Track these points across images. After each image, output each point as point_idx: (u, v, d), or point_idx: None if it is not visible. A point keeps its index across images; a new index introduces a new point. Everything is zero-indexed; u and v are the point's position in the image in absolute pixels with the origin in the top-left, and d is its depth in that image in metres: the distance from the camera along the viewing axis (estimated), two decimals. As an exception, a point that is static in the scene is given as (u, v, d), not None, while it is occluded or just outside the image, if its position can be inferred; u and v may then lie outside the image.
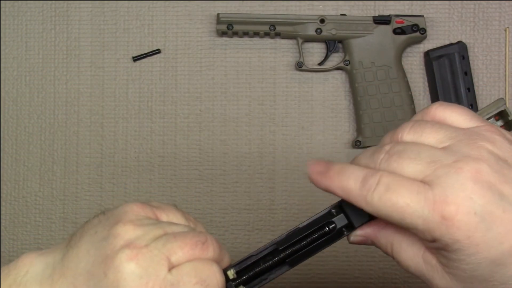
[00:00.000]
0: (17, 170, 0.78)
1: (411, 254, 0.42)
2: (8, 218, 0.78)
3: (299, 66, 0.77)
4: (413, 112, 0.76)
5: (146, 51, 0.79)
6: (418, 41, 0.78)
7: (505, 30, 0.79)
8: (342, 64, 0.77)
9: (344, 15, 0.77)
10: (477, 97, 0.77)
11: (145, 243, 0.43)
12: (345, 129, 0.78)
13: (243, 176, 0.78)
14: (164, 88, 0.79)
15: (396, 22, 0.77)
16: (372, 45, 0.76)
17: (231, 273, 0.46)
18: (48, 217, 0.78)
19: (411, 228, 0.40)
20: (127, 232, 0.44)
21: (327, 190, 0.43)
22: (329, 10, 0.79)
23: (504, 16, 0.79)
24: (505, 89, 0.78)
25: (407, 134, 0.43)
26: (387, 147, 0.42)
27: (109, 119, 0.78)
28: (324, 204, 0.76)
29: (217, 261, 0.45)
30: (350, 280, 0.77)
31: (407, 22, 0.77)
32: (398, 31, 0.77)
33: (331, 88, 0.79)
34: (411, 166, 0.40)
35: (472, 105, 0.76)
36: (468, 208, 0.38)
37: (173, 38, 0.79)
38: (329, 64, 0.78)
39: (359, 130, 0.77)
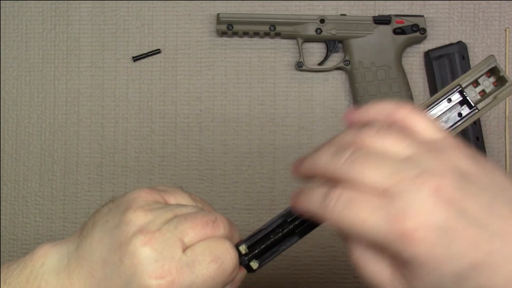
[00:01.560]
0: (17, 170, 0.78)
1: (377, 266, 0.42)
2: (8, 218, 0.78)
3: (299, 66, 0.77)
4: None
5: (146, 51, 0.79)
6: (418, 41, 0.78)
7: (505, 30, 0.79)
8: (342, 64, 0.77)
9: (344, 15, 0.77)
10: (477, 97, 0.77)
11: (157, 227, 0.44)
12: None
13: (243, 176, 0.78)
14: (164, 88, 0.79)
15: (396, 22, 0.77)
16: (372, 45, 0.76)
17: (243, 248, 0.47)
18: (48, 217, 0.78)
19: (372, 243, 0.40)
20: (138, 218, 0.45)
21: (300, 213, 0.43)
22: (329, 10, 0.79)
23: (504, 16, 0.79)
24: (505, 89, 0.79)
25: (372, 138, 0.42)
26: (350, 149, 0.41)
27: (109, 119, 0.78)
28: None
29: (228, 237, 0.46)
30: (350, 280, 0.77)
31: (407, 22, 0.77)
32: (398, 31, 0.77)
33: (331, 88, 0.79)
34: (373, 175, 0.40)
35: (472, 105, 0.76)
36: (429, 224, 0.38)
37: (173, 38, 0.79)
38: (329, 64, 0.78)
39: None
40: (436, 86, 0.76)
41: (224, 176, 0.78)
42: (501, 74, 0.49)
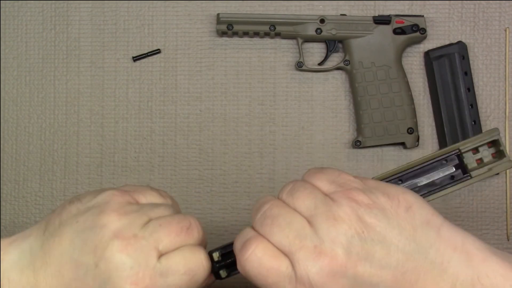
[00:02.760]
0: (17, 170, 0.78)
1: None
2: (8, 218, 0.78)
3: (299, 66, 0.77)
4: (413, 112, 0.76)
5: (146, 51, 0.79)
6: (418, 41, 0.78)
7: (505, 30, 0.79)
8: (342, 64, 0.77)
9: (344, 15, 0.77)
10: (477, 97, 0.77)
11: (133, 233, 0.45)
12: (345, 129, 0.78)
13: (243, 176, 0.78)
14: (164, 88, 0.79)
15: (396, 22, 0.77)
16: (372, 45, 0.76)
17: (216, 255, 0.49)
18: (48, 217, 0.78)
19: None
20: (113, 222, 0.46)
21: None
22: (329, 10, 0.79)
23: (504, 16, 0.79)
24: (505, 89, 0.78)
25: (286, 195, 0.46)
26: (266, 207, 0.46)
27: (109, 119, 0.78)
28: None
29: (202, 242, 0.48)
30: None
31: (407, 22, 0.77)
32: (398, 31, 0.77)
33: (331, 88, 0.79)
34: (279, 236, 0.44)
35: (472, 105, 0.76)
36: None
37: (173, 38, 0.79)
38: (329, 64, 0.78)
39: (359, 130, 0.77)
40: (436, 86, 0.76)
41: (224, 176, 0.78)
42: (501, 148, 0.51)
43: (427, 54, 0.77)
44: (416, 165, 0.52)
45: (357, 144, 0.76)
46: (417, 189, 0.51)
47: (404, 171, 0.52)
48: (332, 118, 0.78)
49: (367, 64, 0.76)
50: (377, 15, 0.77)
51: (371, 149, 0.78)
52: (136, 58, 0.79)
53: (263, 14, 0.77)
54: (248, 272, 0.45)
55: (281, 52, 0.78)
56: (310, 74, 0.79)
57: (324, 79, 0.79)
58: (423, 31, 0.77)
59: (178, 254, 0.46)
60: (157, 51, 0.79)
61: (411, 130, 0.76)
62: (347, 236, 0.43)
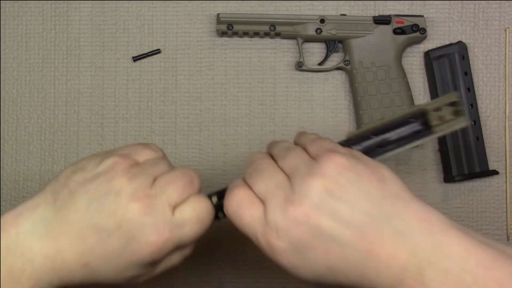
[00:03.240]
0: (17, 170, 0.78)
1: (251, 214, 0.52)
2: (8, 218, 0.78)
3: (299, 66, 0.77)
4: None
5: (146, 51, 0.79)
6: (418, 41, 0.78)
7: (505, 30, 0.79)
8: (342, 64, 0.77)
9: (344, 15, 0.77)
10: (477, 97, 0.77)
11: (146, 194, 0.51)
12: (345, 129, 0.78)
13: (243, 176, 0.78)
14: (164, 88, 0.79)
15: (396, 22, 0.77)
16: (372, 45, 0.76)
17: (214, 200, 0.56)
18: (48, 217, 0.78)
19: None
20: (125, 186, 0.51)
21: None
22: (329, 10, 0.79)
23: (504, 16, 0.79)
24: (505, 89, 0.78)
25: (277, 152, 0.54)
26: (257, 162, 0.53)
27: (109, 119, 0.78)
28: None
29: (200, 190, 0.55)
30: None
31: (407, 22, 0.77)
32: (398, 31, 0.77)
33: (331, 88, 0.79)
34: (260, 186, 0.51)
35: (472, 105, 0.76)
36: (286, 240, 0.48)
37: (173, 38, 0.79)
38: (329, 64, 0.78)
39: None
40: (436, 86, 0.76)
41: (224, 176, 0.78)
42: (459, 108, 0.58)
43: (427, 54, 0.77)
44: (388, 123, 0.58)
45: None
46: (389, 143, 0.58)
47: (378, 127, 0.58)
48: (332, 118, 0.78)
49: (367, 64, 0.76)
50: (377, 15, 0.77)
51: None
52: (136, 58, 0.79)
53: (263, 14, 0.77)
54: (229, 212, 0.52)
55: (281, 52, 0.78)
56: (310, 74, 0.79)
57: (324, 79, 0.79)
58: (423, 31, 0.77)
59: (188, 205, 0.52)
60: (157, 51, 0.79)
61: None
62: (317, 191, 0.48)
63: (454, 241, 0.47)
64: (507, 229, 0.78)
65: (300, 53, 0.77)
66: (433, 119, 0.58)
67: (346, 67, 0.77)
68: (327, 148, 0.51)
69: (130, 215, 0.50)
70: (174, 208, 0.52)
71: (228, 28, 0.77)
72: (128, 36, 0.79)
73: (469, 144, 0.76)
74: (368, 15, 0.78)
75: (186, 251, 0.55)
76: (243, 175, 0.54)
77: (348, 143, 0.57)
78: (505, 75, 0.78)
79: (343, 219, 0.48)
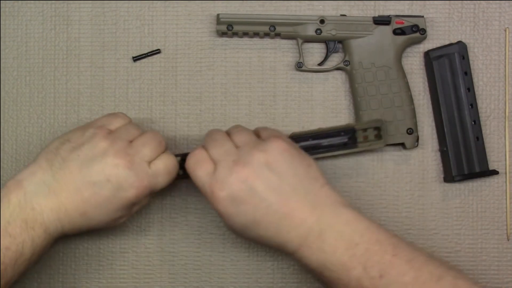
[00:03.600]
0: (17, 170, 0.78)
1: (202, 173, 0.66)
2: (8, 218, 0.78)
3: (299, 66, 0.77)
4: (413, 112, 0.76)
5: (146, 51, 0.79)
6: (418, 41, 0.78)
7: (505, 30, 0.79)
8: (342, 65, 0.77)
9: (344, 15, 0.77)
10: (477, 97, 0.77)
11: (126, 153, 0.65)
12: (345, 129, 0.78)
13: (243, 176, 0.78)
14: (164, 88, 0.79)
15: (396, 22, 0.77)
16: (372, 45, 0.76)
17: (178, 159, 0.71)
18: (48, 217, 0.78)
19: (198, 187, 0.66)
20: (108, 148, 0.65)
21: None
22: (329, 10, 0.79)
23: (504, 16, 0.79)
24: (505, 89, 0.78)
25: (231, 130, 0.69)
26: (214, 133, 0.68)
27: (109, 119, 0.78)
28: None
29: (167, 148, 0.70)
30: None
31: (407, 22, 0.76)
32: (398, 32, 0.77)
33: (331, 88, 0.79)
34: (214, 151, 0.65)
35: (472, 105, 0.76)
36: (227, 192, 0.63)
37: (173, 38, 0.79)
38: (329, 64, 0.78)
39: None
40: (436, 86, 0.76)
41: (224, 176, 0.78)
42: (381, 133, 0.73)
43: (427, 54, 0.77)
44: (323, 131, 0.74)
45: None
46: (320, 147, 0.73)
47: (316, 133, 0.74)
48: (332, 118, 0.78)
49: (367, 64, 0.76)
50: (377, 16, 0.77)
51: (371, 149, 0.78)
52: (136, 58, 0.79)
53: (263, 14, 0.77)
54: (188, 166, 0.66)
55: (281, 52, 0.78)
56: (310, 74, 0.79)
57: (324, 79, 0.79)
58: (423, 31, 0.77)
59: (160, 161, 0.68)
60: (157, 51, 0.79)
61: (410, 131, 0.76)
62: (259, 161, 0.63)
63: (350, 213, 0.63)
64: (507, 229, 0.78)
65: (300, 53, 0.77)
66: (359, 136, 0.73)
67: (346, 68, 0.77)
68: (275, 134, 0.67)
69: (116, 170, 0.65)
70: (149, 163, 0.67)
71: (228, 28, 0.76)
72: (128, 36, 0.79)
73: (469, 144, 0.76)
74: (368, 15, 0.78)
75: (150, 197, 0.70)
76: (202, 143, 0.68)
77: (291, 138, 0.71)
78: (505, 75, 0.78)
79: (273, 186, 0.63)
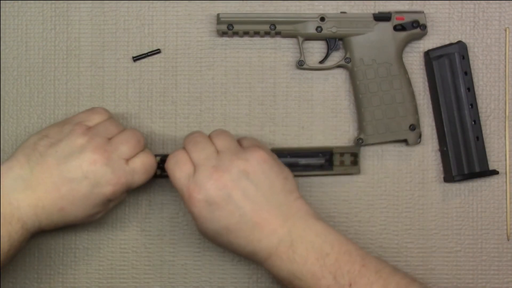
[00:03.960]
0: (17, 170, 0.78)
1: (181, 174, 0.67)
2: (8, 218, 0.78)
3: (300, 64, 0.77)
4: (415, 108, 0.76)
5: (146, 51, 0.79)
6: (419, 37, 0.78)
7: (505, 30, 0.79)
8: (343, 62, 0.77)
9: (344, 12, 0.77)
10: (477, 97, 0.77)
11: (104, 149, 0.66)
12: (345, 129, 0.78)
13: (243, 176, 0.78)
14: (164, 88, 0.79)
15: (397, 18, 0.76)
16: (372, 42, 0.76)
17: (157, 159, 0.73)
18: (48, 217, 0.78)
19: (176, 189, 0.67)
20: (86, 144, 0.66)
21: None
22: (329, 9, 0.79)
23: (504, 16, 0.79)
24: (505, 89, 0.79)
25: (212, 134, 0.69)
26: (195, 135, 0.68)
27: (109, 119, 0.78)
28: (323, 204, 0.76)
29: (146, 147, 0.71)
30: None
31: (408, 18, 0.76)
32: (398, 28, 0.76)
33: (331, 88, 0.79)
34: (195, 154, 0.66)
35: (472, 105, 0.76)
36: (203, 196, 0.64)
37: (173, 38, 0.79)
38: (330, 62, 0.78)
39: (361, 128, 0.77)
40: (436, 86, 0.76)
41: (224, 176, 0.78)
42: (357, 159, 0.76)
43: (427, 54, 0.77)
44: (302, 150, 0.76)
45: (359, 142, 0.76)
46: (297, 165, 0.75)
47: (295, 151, 0.76)
48: (332, 118, 0.78)
49: (368, 61, 0.76)
50: (377, 12, 0.77)
51: (371, 148, 0.78)
52: (136, 58, 0.79)
53: (263, 13, 0.77)
54: (168, 167, 0.67)
55: (281, 51, 0.78)
56: (310, 74, 0.79)
57: (324, 79, 0.79)
58: (423, 27, 0.77)
59: (138, 158, 0.69)
60: (157, 51, 0.79)
61: (413, 127, 0.76)
62: (238, 169, 0.65)
63: (321, 225, 0.65)
64: (507, 229, 0.78)
65: (301, 51, 0.77)
66: (336, 160, 0.75)
67: (347, 65, 0.77)
68: (256, 144, 0.69)
69: (93, 167, 0.65)
70: (127, 160, 0.68)
71: (228, 28, 0.76)
72: (128, 36, 0.79)
73: (469, 144, 0.76)
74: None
75: (127, 193, 0.71)
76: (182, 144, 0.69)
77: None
78: (505, 75, 0.78)
79: (248, 195, 0.64)
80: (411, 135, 0.76)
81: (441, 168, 0.78)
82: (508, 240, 0.77)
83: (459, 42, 0.77)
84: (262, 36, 0.78)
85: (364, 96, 0.76)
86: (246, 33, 0.77)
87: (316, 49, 0.79)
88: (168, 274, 0.78)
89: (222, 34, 0.78)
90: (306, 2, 0.79)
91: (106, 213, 0.71)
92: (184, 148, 0.68)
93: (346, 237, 0.66)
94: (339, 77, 0.79)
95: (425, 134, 0.78)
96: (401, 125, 0.76)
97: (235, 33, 0.77)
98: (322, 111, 0.78)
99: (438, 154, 0.78)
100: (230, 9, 0.79)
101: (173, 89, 0.79)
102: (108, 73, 0.79)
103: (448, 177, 0.77)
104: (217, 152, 0.66)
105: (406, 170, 0.78)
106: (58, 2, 0.79)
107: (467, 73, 0.77)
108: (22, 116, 0.79)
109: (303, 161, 0.75)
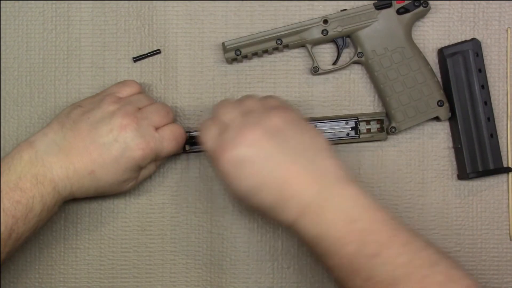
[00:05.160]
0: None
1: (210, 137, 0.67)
2: (9, 218, 0.78)
3: (315, 71, 0.77)
4: (438, 85, 0.76)
5: (146, 52, 0.79)
6: (423, 15, 0.77)
7: (507, 30, 0.79)
8: (356, 58, 0.77)
9: (345, 9, 0.77)
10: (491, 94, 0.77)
11: (134, 116, 0.69)
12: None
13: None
14: (164, 88, 0.79)
15: (397, 2, 0.76)
16: (380, 31, 0.76)
17: (187, 135, 0.75)
18: (49, 217, 0.78)
19: (206, 151, 0.67)
20: (117, 110, 0.69)
21: None
22: (329, 9, 0.78)
23: (504, 16, 0.79)
24: (506, 89, 0.79)
25: (242, 98, 0.70)
26: (223, 101, 0.70)
27: (110, 119, 0.78)
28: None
29: (175, 120, 0.75)
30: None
31: None
32: (401, 11, 0.76)
33: (331, 88, 0.78)
34: (223, 116, 0.66)
35: (486, 102, 0.76)
36: (233, 153, 0.63)
37: (173, 38, 0.79)
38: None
39: (390, 116, 0.76)
40: (450, 83, 0.76)
41: (225, 176, 0.78)
42: (383, 126, 0.76)
43: (441, 51, 0.77)
44: (328, 119, 0.76)
45: (392, 130, 0.76)
46: (324, 133, 0.76)
47: (320, 120, 0.76)
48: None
49: (381, 50, 0.76)
50: (377, 1, 0.77)
51: (371, 148, 0.78)
52: (136, 59, 0.79)
53: (266, 31, 0.76)
54: (199, 136, 0.68)
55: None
56: (323, 78, 0.78)
57: (324, 79, 0.78)
58: (425, 4, 0.76)
59: (167, 127, 0.71)
60: (157, 51, 0.79)
61: (441, 103, 0.76)
62: (265, 126, 0.63)
63: (353, 189, 0.62)
64: (509, 229, 0.78)
65: (313, 58, 0.77)
66: (362, 128, 0.76)
67: (361, 60, 0.76)
68: (283, 104, 0.69)
69: (123, 131, 0.68)
70: (156, 129, 0.70)
71: (236, 53, 0.76)
72: (129, 37, 0.79)
73: (483, 141, 0.76)
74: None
75: (158, 163, 0.74)
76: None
77: None
78: (506, 75, 0.79)
79: (276, 152, 0.63)
80: (441, 111, 0.76)
81: (441, 168, 0.78)
82: (511, 240, 0.78)
83: (473, 39, 0.77)
84: (270, 53, 0.77)
85: (385, 85, 0.76)
86: (254, 54, 0.77)
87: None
88: (170, 273, 0.78)
89: (232, 61, 0.77)
90: (305, 2, 0.79)
91: (136, 184, 0.73)
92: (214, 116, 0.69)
93: (378, 204, 0.62)
94: (339, 77, 0.78)
95: (428, 133, 0.78)
96: (429, 103, 0.76)
97: (244, 57, 0.77)
98: (322, 111, 0.78)
99: (439, 154, 0.78)
100: (229, 8, 0.78)
101: (173, 89, 0.79)
102: (108, 73, 0.79)
103: (463, 174, 0.77)
104: (244, 112, 0.66)
105: (406, 170, 0.78)
106: (59, 2, 0.79)
107: (481, 70, 0.76)
108: (23, 116, 0.79)
109: (330, 129, 0.76)
